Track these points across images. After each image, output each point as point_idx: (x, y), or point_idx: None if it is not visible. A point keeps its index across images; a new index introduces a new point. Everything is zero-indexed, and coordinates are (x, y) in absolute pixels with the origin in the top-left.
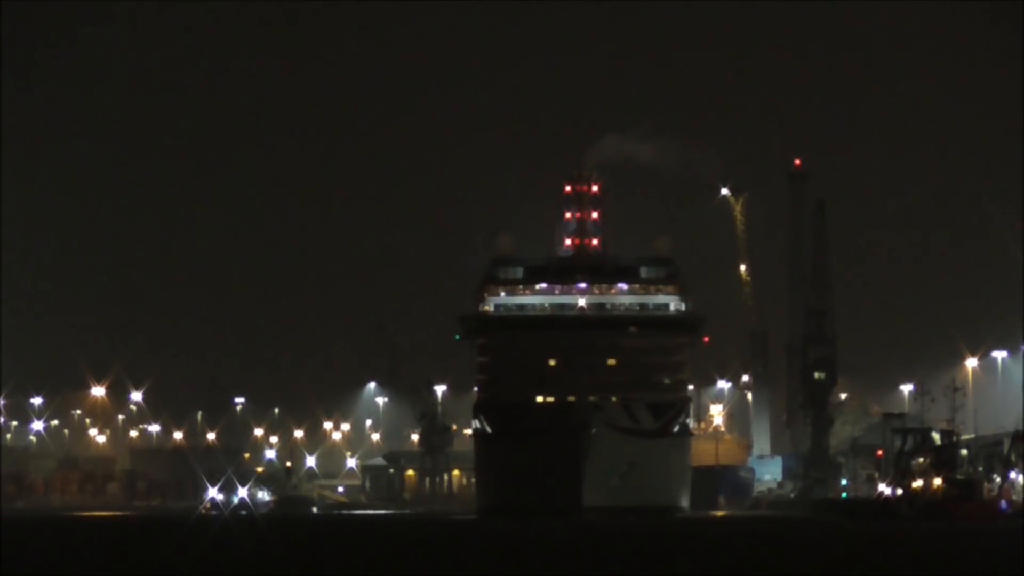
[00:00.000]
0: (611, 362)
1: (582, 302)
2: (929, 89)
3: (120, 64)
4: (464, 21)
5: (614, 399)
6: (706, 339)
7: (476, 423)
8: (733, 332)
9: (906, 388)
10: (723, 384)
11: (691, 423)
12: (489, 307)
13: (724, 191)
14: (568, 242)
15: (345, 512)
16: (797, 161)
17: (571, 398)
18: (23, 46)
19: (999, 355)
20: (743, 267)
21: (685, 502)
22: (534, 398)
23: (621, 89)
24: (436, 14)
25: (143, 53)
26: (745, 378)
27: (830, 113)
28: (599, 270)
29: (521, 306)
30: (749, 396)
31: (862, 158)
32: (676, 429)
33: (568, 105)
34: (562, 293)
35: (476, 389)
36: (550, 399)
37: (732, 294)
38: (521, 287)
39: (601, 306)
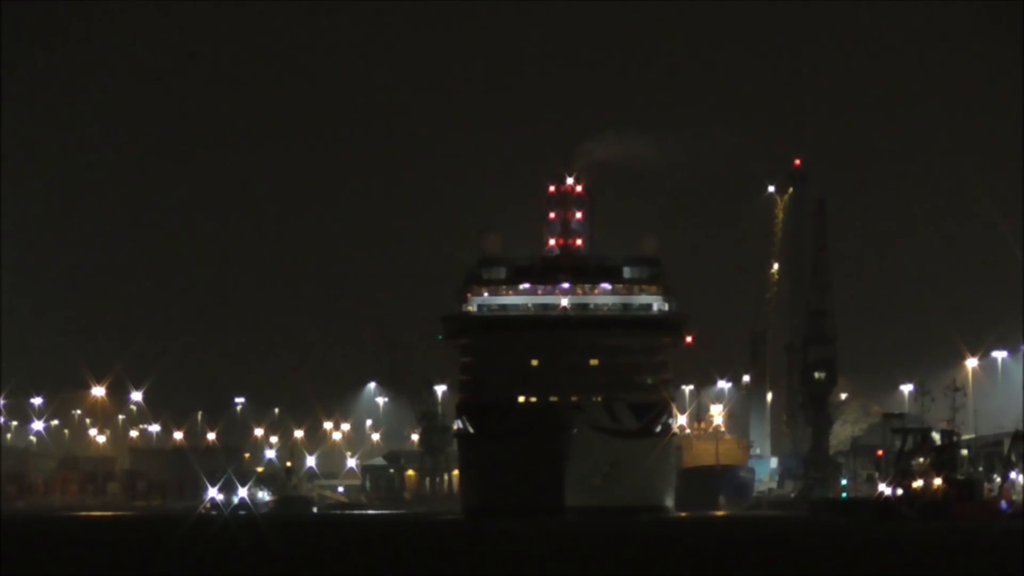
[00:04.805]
0: (593, 362)
1: (565, 302)
2: (929, 89)
3: (121, 65)
4: (459, 21)
5: (596, 399)
6: (689, 340)
7: (459, 423)
8: (741, 332)
9: (906, 388)
10: (723, 384)
11: (675, 423)
12: (472, 307)
13: (771, 188)
14: (552, 242)
15: (345, 512)
16: (797, 161)
17: (553, 398)
18: (24, 44)
19: (999, 355)
20: (776, 266)
21: (669, 502)
22: (516, 398)
23: (615, 88)
24: (430, 16)
25: (144, 53)
26: (746, 378)
27: (830, 113)
28: (582, 270)
29: (504, 306)
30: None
31: (862, 158)
32: (659, 429)
33: (561, 103)
34: (545, 293)
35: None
36: (532, 399)
37: (745, 293)
38: (504, 287)
39: (584, 306)
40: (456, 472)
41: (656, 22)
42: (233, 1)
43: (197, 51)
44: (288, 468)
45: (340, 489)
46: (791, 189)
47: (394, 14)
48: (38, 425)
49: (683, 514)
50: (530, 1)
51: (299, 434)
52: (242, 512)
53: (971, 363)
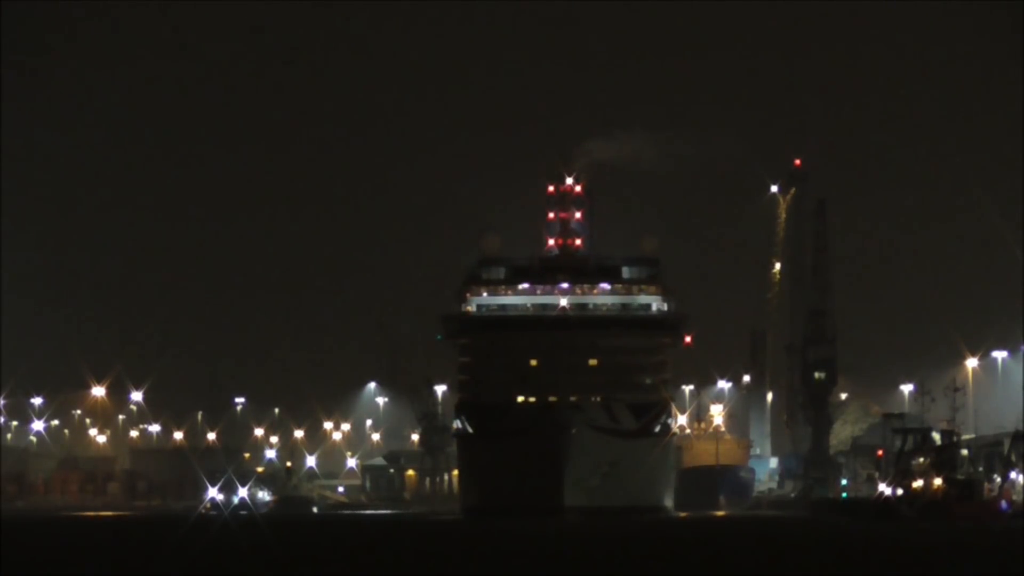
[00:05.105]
0: (592, 362)
1: (564, 302)
2: (929, 89)
3: (121, 65)
4: (459, 21)
5: (595, 399)
6: (688, 340)
7: (458, 423)
8: (741, 332)
9: (906, 388)
10: (723, 384)
11: (674, 423)
12: (471, 307)
13: (774, 188)
14: (551, 242)
15: (345, 512)
16: (797, 161)
17: (552, 398)
18: (25, 44)
19: (999, 355)
20: (778, 266)
21: (668, 502)
22: (515, 398)
23: (615, 88)
24: (430, 15)
25: (145, 53)
26: (746, 378)
27: (830, 113)
28: (581, 270)
29: (503, 306)
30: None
31: (862, 158)
32: (658, 429)
33: (562, 103)
34: (544, 293)
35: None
36: (531, 399)
37: (745, 293)
38: (503, 287)
39: (583, 306)
40: (456, 472)
41: (656, 22)
42: (234, 1)
43: (196, 51)
44: (288, 468)
45: (340, 489)
46: (793, 189)
47: (394, 14)
48: (38, 425)
49: (683, 514)
50: (530, 1)
51: (299, 434)
52: (242, 512)
53: (971, 363)
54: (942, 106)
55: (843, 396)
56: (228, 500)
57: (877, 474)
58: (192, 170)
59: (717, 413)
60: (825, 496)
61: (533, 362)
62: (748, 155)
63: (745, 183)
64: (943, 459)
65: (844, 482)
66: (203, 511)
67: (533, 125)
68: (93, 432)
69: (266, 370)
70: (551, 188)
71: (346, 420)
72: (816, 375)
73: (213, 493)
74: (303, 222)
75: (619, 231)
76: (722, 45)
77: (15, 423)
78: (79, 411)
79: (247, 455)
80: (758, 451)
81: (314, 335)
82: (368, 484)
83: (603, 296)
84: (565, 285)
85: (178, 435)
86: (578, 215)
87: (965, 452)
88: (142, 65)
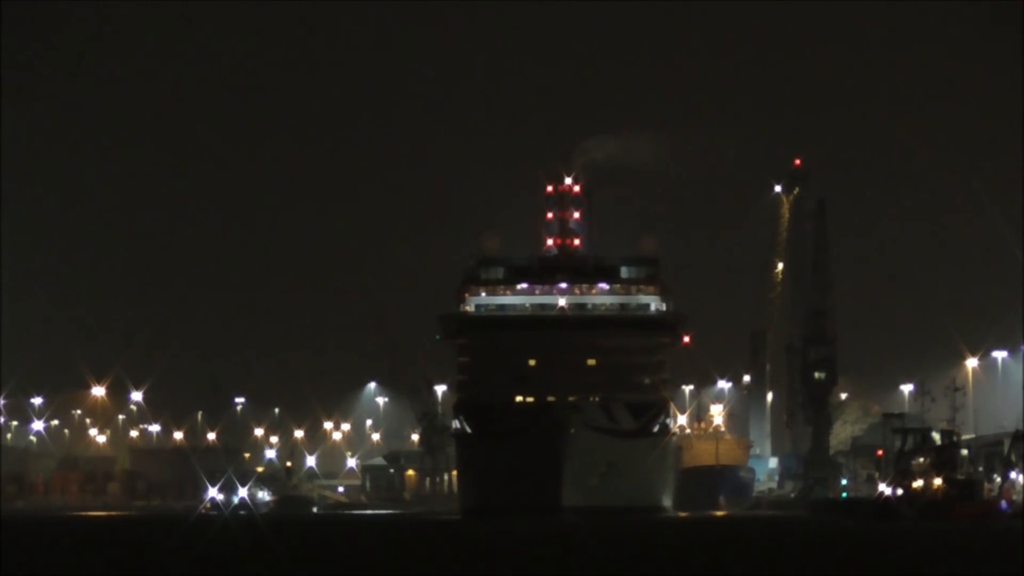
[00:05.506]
0: (591, 362)
1: (562, 302)
2: (929, 89)
3: (122, 65)
4: (459, 21)
5: (594, 399)
6: (687, 340)
7: (456, 423)
8: (741, 332)
9: (906, 388)
10: (723, 384)
11: (673, 423)
12: (470, 307)
13: (777, 188)
14: (550, 242)
15: (345, 512)
16: (797, 161)
17: (551, 398)
18: (25, 44)
19: (999, 355)
20: (781, 265)
21: (667, 502)
22: (514, 398)
23: (615, 88)
24: (430, 15)
25: (145, 53)
26: (746, 378)
27: (830, 113)
28: (580, 270)
29: (502, 306)
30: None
31: (862, 158)
32: (656, 429)
33: (561, 103)
34: (543, 293)
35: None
36: (530, 399)
37: (746, 293)
38: (502, 287)
39: (582, 306)
40: (456, 472)
41: (657, 22)
42: (234, 1)
43: (196, 51)
44: (288, 468)
45: (340, 489)
46: (797, 189)
47: (394, 14)
48: (38, 425)
49: (683, 514)
50: (530, 1)
51: (299, 434)
52: (242, 512)
53: (971, 363)
54: (943, 107)
55: (843, 396)
56: (228, 500)
57: (877, 474)
58: (192, 170)
59: (717, 413)
60: (825, 496)
61: (532, 362)
62: (749, 155)
63: (747, 183)
64: (943, 459)
65: (844, 482)
66: (203, 511)
67: (533, 125)
68: (93, 432)
69: (266, 370)
70: (550, 188)
71: (346, 420)
72: (816, 375)
73: (213, 493)
74: (303, 222)
75: (618, 231)
76: (723, 45)
77: (15, 423)
78: (79, 411)
79: (247, 455)
80: (758, 451)
81: (314, 335)
82: (368, 484)
83: (602, 296)
84: (564, 285)
85: (178, 435)
86: (577, 215)
87: (965, 452)
88: (142, 65)
